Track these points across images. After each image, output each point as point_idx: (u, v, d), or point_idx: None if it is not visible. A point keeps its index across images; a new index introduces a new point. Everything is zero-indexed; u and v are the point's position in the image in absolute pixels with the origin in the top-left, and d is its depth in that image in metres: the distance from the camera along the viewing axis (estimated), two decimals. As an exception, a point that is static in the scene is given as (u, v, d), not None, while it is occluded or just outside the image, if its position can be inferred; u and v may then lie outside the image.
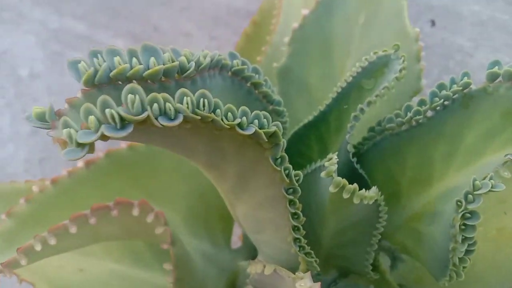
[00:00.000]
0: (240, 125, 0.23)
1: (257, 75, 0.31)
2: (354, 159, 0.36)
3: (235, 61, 0.29)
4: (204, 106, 0.22)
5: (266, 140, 0.24)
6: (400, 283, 0.47)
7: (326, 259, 0.42)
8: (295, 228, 0.29)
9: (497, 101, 0.31)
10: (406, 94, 0.38)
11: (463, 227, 0.29)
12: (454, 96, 0.31)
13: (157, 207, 0.43)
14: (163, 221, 0.33)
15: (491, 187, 0.27)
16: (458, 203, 0.29)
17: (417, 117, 0.32)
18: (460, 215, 0.29)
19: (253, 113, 0.24)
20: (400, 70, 0.33)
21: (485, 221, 0.42)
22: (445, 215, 0.33)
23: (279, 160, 0.26)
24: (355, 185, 0.28)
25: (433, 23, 0.98)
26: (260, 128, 0.24)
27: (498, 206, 0.42)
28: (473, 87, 0.31)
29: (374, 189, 0.31)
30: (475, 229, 0.29)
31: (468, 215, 0.28)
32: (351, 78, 0.34)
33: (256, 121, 0.24)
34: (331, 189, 0.28)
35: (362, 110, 0.33)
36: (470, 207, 0.28)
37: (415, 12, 0.97)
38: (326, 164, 0.28)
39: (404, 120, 0.33)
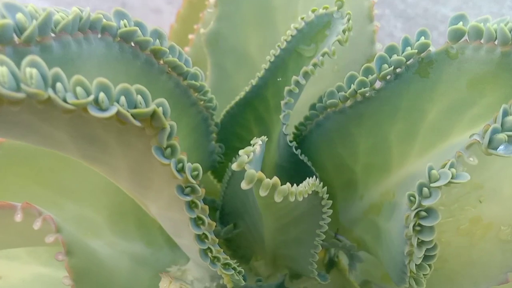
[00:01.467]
0: (98, 104, 0.17)
1: (160, 42, 0.24)
2: (293, 144, 0.29)
3: (122, 22, 0.23)
4: (32, 79, 0.15)
5: (138, 123, 0.18)
6: (367, 279, 0.41)
7: (273, 259, 0.36)
8: (200, 237, 0.22)
9: (462, 66, 0.24)
10: (359, 63, 0.31)
11: (418, 228, 0.23)
12: (409, 62, 0.25)
13: (72, 205, 0.37)
14: (54, 227, 0.26)
15: (452, 178, 0.21)
16: (411, 198, 0.22)
17: (363, 89, 0.25)
18: (413, 213, 0.22)
19: (118, 87, 0.17)
20: (344, 32, 0.26)
21: (457, 211, 0.36)
22: (402, 209, 0.27)
23: (168, 150, 0.20)
24: (274, 180, 0.21)
25: None
26: (133, 108, 0.18)
27: (472, 193, 0.36)
28: (432, 49, 0.25)
29: (307, 182, 0.24)
30: (433, 231, 0.23)
31: (424, 213, 0.22)
32: (285, 44, 0.28)
33: (122, 99, 0.17)
34: (243, 185, 0.21)
35: (298, 83, 0.26)
36: (426, 203, 0.22)
37: None
38: (240, 152, 0.22)
39: (347, 94, 0.26)
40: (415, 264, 0.24)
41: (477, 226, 0.34)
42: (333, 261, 0.38)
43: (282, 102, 0.27)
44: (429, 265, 0.24)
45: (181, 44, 0.28)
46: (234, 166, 0.21)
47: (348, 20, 0.26)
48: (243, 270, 0.26)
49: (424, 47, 0.24)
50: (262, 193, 0.21)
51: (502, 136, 0.20)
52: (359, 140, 0.29)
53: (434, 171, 0.21)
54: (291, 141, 0.30)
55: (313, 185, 0.24)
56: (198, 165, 0.21)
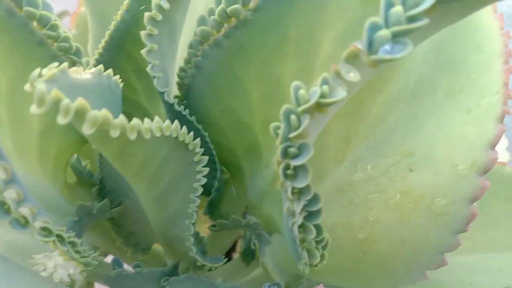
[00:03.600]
0: None
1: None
2: (175, 100, 0.24)
3: None
4: None
5: None
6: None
7: (168, 244, 0.30)
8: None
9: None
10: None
11: (290, 171, 0.17)
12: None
13: None
14: None
15: (322, 97, 0.16)
16: (277, 131, 0.17)
17: (233, 7, 0.20)
18: (281, 151, 0.17)
19: None
20: None
21: (386, 183, 0.31)
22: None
23: None
24: (102, 112, 0.16)
25: None
26: None
27: (403, 161, 0.31)
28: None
29: (163, 123, 0.19)
30: (307, 173, 0.17)
31: (294, 150, 0.17)
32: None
33: None
34: (60, 119, 0.15)
35: (161, 9, 0.21)
36: (294, 135, 0.16)
37: None
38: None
39: (217, 18, 0.21)
40: (298, 226, 0.19)
41: (408, 199, 0.29)
42: (250, 249, 0.32)
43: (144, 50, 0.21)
44: (317, 228, 0.19)
45: None
46: (26, 87, 0.15)
47: None
48: (88, 249, 0.20)
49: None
50: (87, 129, 0.16)
51: (385, 32, 0.15)
52: (249, 87, 0.24)
53: (302, 92, 0.16)
54: (175, 96, 0.25)
55: (169, 129, 0.19)
56: None
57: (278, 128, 0.17)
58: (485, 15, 0.31)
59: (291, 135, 0.16)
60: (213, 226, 0.28)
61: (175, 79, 0.25)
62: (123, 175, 0.22)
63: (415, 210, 0.29)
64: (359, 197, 0.32)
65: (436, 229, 0.28)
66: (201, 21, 0.21)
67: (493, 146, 0.27)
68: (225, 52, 0.22)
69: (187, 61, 0.24)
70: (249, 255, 0.33)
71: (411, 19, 0.15)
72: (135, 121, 0.17)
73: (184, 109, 0.25)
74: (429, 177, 0.29)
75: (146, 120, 0.18)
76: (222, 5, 0.20)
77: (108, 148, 0.19)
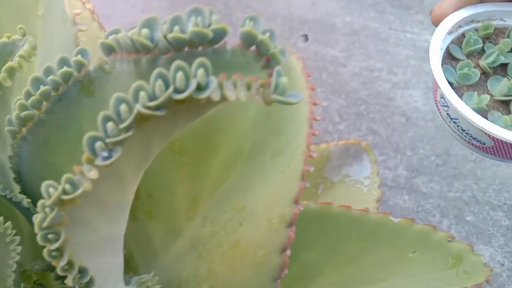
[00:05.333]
0: None
1: None
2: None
3: None
4: None
5: None
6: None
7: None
8: None
9: (117, 81, 0.23)
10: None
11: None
12: (69, 82, 0.24)
13: None
14: None
15: (64, 193, 0.19)
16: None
17: (26, 112, 0.24)
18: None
19: None
20: (23, 58, 0.25)
21: (224, 237, 0.35)
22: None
23: None
24: None
25: (306, 38, 0.93)
26: None
27: (237, 216, 0.35)
28: (92, 67, 0.24)
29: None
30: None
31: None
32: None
33: None
34: None
35: None
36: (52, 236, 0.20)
37: (288, 29, 0.93)
38: None
39: (17, 122, 0.25)
40: None
41: (237, 251, 0.33)
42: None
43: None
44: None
45: None
46: None
47: (27, 46, 0.25)
48: None
49: (80, 65, 0.24)
50: None
51: (100, 144, 0.19)
52: (67, 170, 0.28)
53: (52, 190, 0.20)
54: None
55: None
56: None
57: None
58: (300, 85, 0.36)
59: (44, 224, 0.20)
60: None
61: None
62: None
63: (242, 261, 0.33)
64: (206, 250, 0.35)
65: (258, 278, 0.32)
66: (9, 121, 0.25)
67: (296, 201, 0.31)
68: (33, 144, 0.26)
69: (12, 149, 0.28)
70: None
71: (121, 131, 0.19)
72: None
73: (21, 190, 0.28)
74: (252, 230, 0.33)
75: None
76: (16, 111, 0.24)
77: None
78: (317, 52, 0.99)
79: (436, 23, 0.36)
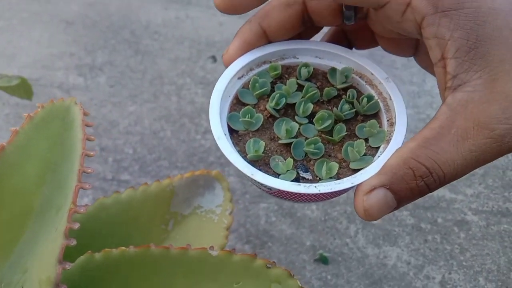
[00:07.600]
0: None
1: None
2: None
3: None
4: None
5: None
6: None
7: None
8: None
9: None
10: None
11: None
12: None
13: None
14: None
15: None
16: None
17: None
18: None
19: None
20: None
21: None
22: None
23: None
24: None
25: (214, 59, 0.93)
26: None
27: (23, 277, 0.34)
28: None
29: None
30: None
31: None
32: None
33: None
34: None
35: None
36: None
37: (196, 52, 0.93)
38: None
39: None
40: None
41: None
42: None
43: None
44: None
45: None
46: None
47: None
48: None
49: None
50: None
51: None
52: None
53: None
54: None
55: None
56: None
57: None
58: (77, 140, 0.35)
59: None
60: None
61: None
62: None
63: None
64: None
65: None
66: None
67: (60, 261, 0.31)
68: None
69: None
70: None
71: None
72: None
73: None
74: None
75: None
76: None
77: None
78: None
79: None
